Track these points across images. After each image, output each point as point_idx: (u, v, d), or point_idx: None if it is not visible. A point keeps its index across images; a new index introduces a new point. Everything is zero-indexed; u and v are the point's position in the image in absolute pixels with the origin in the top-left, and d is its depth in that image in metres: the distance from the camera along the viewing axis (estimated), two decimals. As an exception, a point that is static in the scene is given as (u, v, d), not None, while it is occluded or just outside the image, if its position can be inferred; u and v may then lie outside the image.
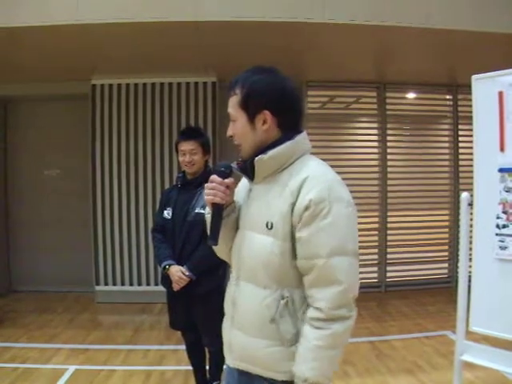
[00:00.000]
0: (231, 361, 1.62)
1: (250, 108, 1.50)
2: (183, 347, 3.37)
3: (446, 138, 6.57)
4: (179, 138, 3.12)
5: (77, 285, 6.12)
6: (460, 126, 6.45)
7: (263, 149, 1.50)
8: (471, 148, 2.36)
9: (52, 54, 4.84)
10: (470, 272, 2.31)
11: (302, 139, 1.53)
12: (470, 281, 2.33)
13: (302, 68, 6.01)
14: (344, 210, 1.42)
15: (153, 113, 5.91)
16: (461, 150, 6.39)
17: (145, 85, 5.90)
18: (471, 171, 2.33)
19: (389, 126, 6.46)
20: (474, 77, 2.30)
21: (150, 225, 5.82)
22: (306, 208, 1.39)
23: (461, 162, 6.39)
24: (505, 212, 2.20)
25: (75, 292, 6.14)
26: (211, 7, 3.97)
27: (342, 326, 1.40)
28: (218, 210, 1.52)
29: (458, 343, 2.29)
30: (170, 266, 2.98)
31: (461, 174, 6.37)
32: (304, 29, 4.21)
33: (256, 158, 1.48)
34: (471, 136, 2.34)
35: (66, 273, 6.14)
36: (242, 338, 1.54)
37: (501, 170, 2.21)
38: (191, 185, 3.05)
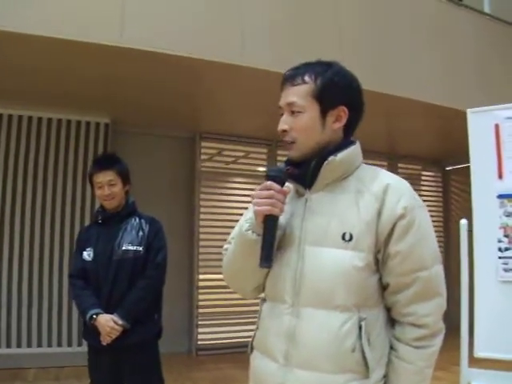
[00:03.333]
0: None
1: (327, 100, 1.33)
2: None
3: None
4: (93, 168, 2.70)
5: None
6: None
7: (325, 152, 1.33)
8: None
9: None
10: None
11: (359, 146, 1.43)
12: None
13: (197, 119, 5.97)
14: (428, 217, 1.36)
15: (37, 149, 5.27)
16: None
17: (30, 118, 5.28)
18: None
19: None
20: (469, 110, 2.45)
21: (25, 275, 5.07)
22: (401, 216, 1.26)
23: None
24: (506, 236, 2.31)
25: None
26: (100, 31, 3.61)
27: (440, 338, 1.31)
28: (272, 223, 1.28)
29: (463, 372, 2.26)
30: (97, 315, 2.50)
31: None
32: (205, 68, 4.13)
33: (329, 159, 1.30)
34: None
35: None
36: (311, 378, 1.26)
37: (500, 197, 2.35)
38: (114, 219, 2.68)
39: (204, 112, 5.75)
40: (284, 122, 1.35)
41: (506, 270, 2.28)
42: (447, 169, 7.78)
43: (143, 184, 5.37)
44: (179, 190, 6.16)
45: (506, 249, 2.29)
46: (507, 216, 2.30)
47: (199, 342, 5.93)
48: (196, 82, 4.55)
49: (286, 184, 1.33)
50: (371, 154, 7.06)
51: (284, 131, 1.35)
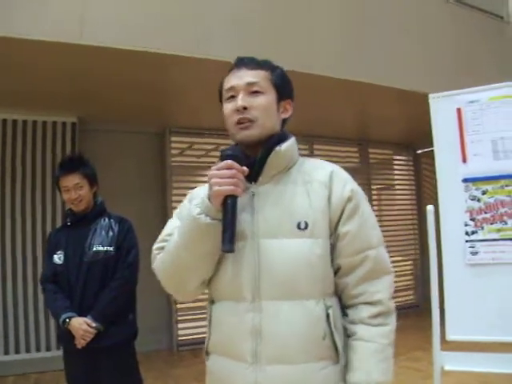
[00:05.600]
0: None
1: (282, 90, 1.40)
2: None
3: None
4: (59, 172, 2.66)
5: None
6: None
7: (270, 143, 1.34)
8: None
9: None
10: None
11: None
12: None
13: (166, 114, 5.90)
14: (367, 200, 1.41)
15: (3, 151, 5.15)
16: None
17: (-7, 120, 5.15)
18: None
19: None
20: (431, 95, 2.46)
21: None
22: (349, 199, 1.32)
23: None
24: (472, 219, 2.33)
25: None
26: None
27: (394, 318, 1.34)
28: (233, 203, 1.23)
29: (436, 355, 2.29)
30: (70, 318, 2.48)
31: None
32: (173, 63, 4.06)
33: (275, 149, 1.33)
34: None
35: None
36: (284, 371, 1.25)
37: (465, 180, 2.37)
38: (83, 221, 2.65)
39: (172, 107, 5.67)
40: (243, 100, 1.32)
41: (473, 254, 2.30)
42: (418, 152, 7.84)
43: (114, 182, 5.30)
44: (151, 186, 6.10)
45: (473, 232, 2.32)
46: (472, 200, 2.32)
47: (180, 338, 5.91)
48: (161, 76, 4.48)
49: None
50: (341, 140, 7.10)
51: (245, 108, 1.32)
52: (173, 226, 1.41)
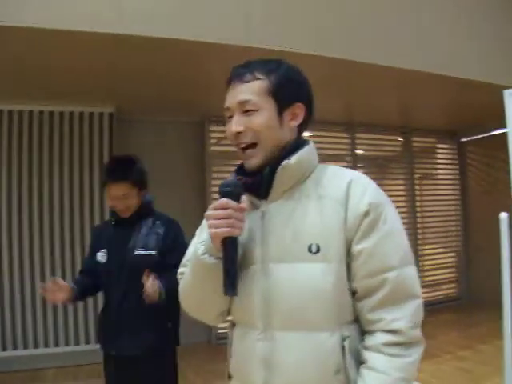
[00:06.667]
0: None
1: (283, 97, 1.24)
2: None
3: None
4: (106, 177, 2.46)
5: None
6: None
7: (281, 155, 1.22)
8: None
9: None
10: None
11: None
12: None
13: (204, 103, 5.75)
14: (395, 213, 1.23)
15: (40, 144, 5.10)
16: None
17: (31, 112, 5.10)
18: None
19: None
20: (506, 91, 2.25)
21: (37, 274, 4.95)
22: (366, 214, 1.16)
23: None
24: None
25: None
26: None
27: (418, 351, 1.17)
28: (233, 244, 1.16)
29: (508, 373, 2.10)
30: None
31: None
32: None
33: (283, 163, 1.20)
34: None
35: None
36: None
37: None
38: (128, 221, 2.55)
39: (211, 96, 5.49)
40: (238, 123, 1.22)
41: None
42: (463, 140, 7.52)
43: (152, 172, 5.14)
44: (190, 176, 6.01)
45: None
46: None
47: (219, 331, 5.83)
48: (200, 65, 4.34)
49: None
50: (384, 129, 6.88)
51: (239, 133, 1.22)
52: (191, 250, 1.34)
